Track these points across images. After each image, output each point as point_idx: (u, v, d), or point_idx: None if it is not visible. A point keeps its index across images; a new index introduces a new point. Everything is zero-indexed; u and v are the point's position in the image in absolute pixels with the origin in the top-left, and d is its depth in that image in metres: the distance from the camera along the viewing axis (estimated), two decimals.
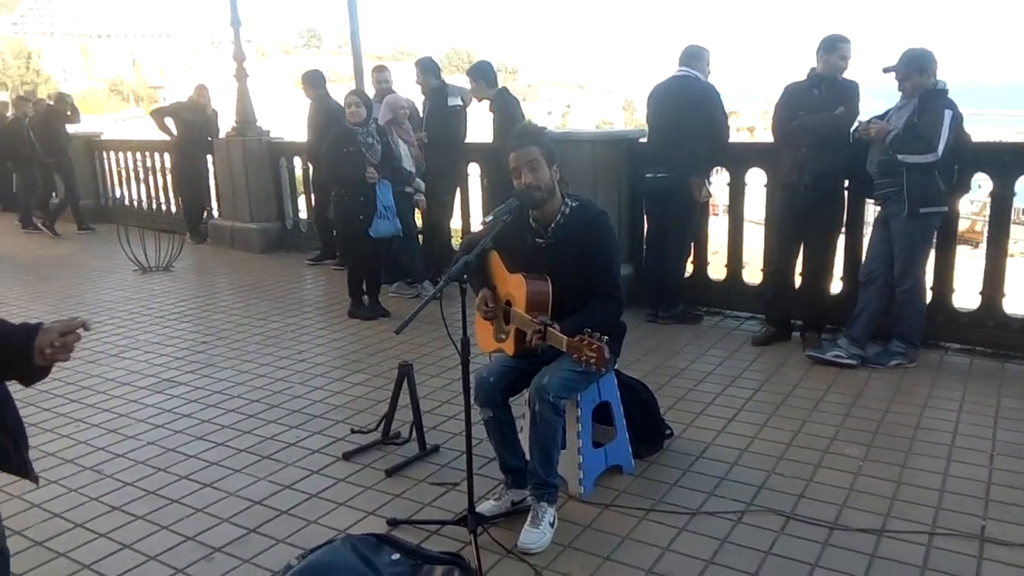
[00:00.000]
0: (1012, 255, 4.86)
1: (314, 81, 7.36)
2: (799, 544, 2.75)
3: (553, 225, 2.88)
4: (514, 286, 2.87)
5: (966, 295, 4.76)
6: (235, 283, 7.08)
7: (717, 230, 5.74)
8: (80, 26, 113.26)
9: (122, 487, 3.31)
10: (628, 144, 5.79)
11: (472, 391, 2.82)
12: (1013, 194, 4.62)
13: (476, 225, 5.02)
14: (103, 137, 11.33)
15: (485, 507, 2.95)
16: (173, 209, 9.94)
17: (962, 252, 4.93)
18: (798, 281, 4.98)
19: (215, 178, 9.06)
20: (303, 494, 3.21)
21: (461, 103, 6.43)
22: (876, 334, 4.56)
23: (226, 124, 8.78)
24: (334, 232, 7.00)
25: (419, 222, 6.68)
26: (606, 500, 3.07)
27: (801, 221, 4.75)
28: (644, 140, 5.63)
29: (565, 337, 2.54)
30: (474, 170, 6.74)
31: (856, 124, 4.49)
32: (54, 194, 10.66)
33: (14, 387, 1.81)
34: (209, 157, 9.00)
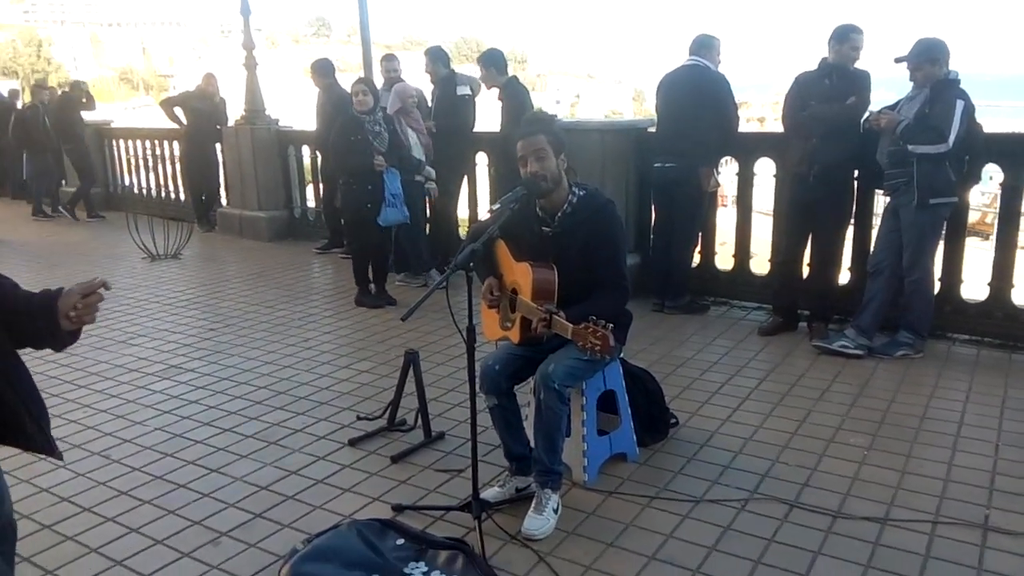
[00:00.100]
0: (1022, 246, 4.83)
1: (323, 70, 7.36)
2: (802, 532, 2.75)
3: (560, 214, 2.88)
4: (520, 274, 2.87)
5: (975, 286, 4.75)
6: (243, 271, 7.11)
7: (725, 221, 5.71)
8: (90, 14, 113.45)
9: (130, 472, 3.34)
10: (637, 134, 5.77)
11: (477, 379, 2.83)
12: None
13: (484, 214, 5.01)
14: (113, 125, 11.36)
15: (489, 494, 2.96)
16: (182, 197, 9.97)
17: (972, 243, 4.89)
18: (806, 271, 4.97)
19: (224, 166, 9.08)
20: (309, 480, 3.23)
21: (470, 92, 6.42)
22: (884, 325, 4.55)
23: (235, 112, 8.80)
24: (341, 221, 7.01)
25: (429, 211, 6.69)
26: (610, 487, 3.08)
27: (810, 211, 4.72)
28: (653, 130, 5.61)
29: (570, 325, 2.54)
30: (482, 159, 6.74)
31: (866, 114, 4.47)
32: (64, 181, 10.72)
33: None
34: (218, 145, 9.01)
